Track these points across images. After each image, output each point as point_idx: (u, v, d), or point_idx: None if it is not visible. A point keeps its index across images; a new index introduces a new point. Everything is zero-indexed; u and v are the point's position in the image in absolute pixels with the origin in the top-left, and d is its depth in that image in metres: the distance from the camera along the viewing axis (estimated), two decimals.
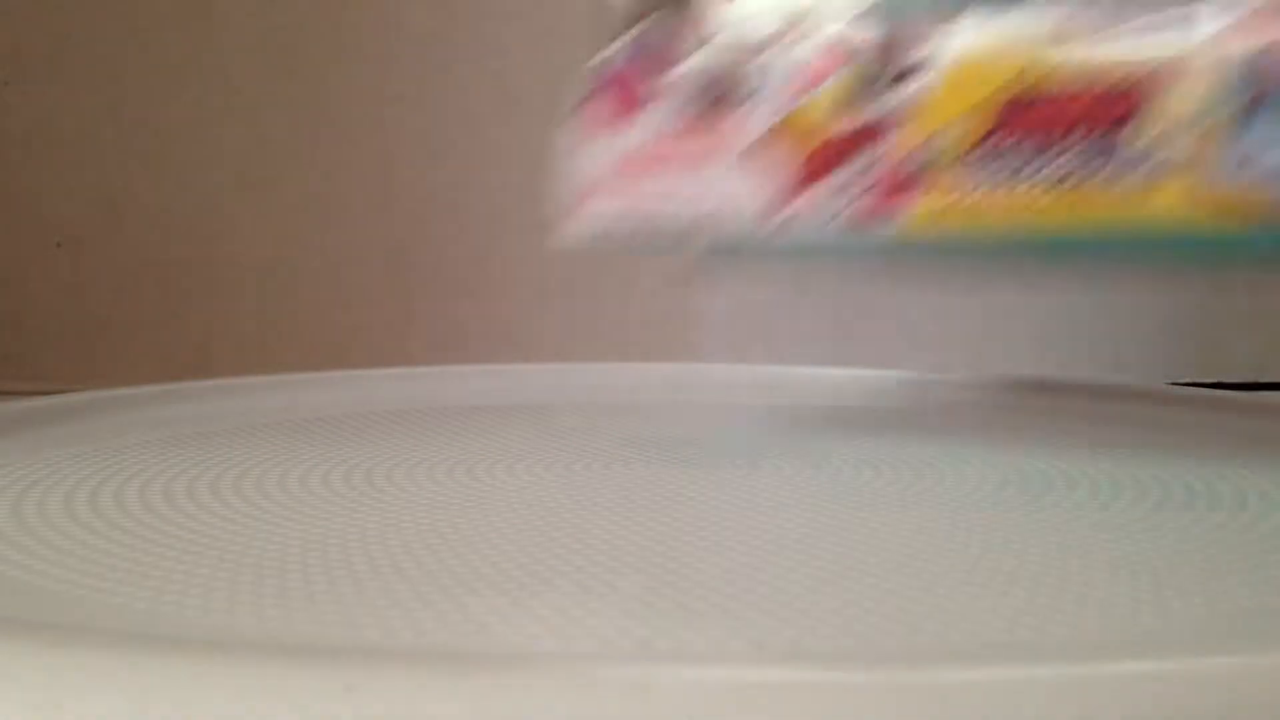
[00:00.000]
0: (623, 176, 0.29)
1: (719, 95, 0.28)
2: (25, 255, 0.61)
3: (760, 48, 0.28)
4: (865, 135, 0.26)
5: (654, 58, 0.29)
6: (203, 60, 0.60)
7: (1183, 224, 0.23)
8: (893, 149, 0.26)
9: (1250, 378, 0.58)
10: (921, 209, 0.25)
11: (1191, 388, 0.41)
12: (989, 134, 0.24)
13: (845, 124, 0.26)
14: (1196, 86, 0.23)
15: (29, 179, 0.61)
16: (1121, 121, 0.23)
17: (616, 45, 0.30)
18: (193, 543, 0.19)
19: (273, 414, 0.33)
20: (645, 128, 0.29)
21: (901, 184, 0.25)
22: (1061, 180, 0.24)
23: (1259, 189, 0.22)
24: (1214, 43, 0.23)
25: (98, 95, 0.61)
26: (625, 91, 0.29)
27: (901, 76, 0.26)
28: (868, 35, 0.26)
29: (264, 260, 0.60)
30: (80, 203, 0.61)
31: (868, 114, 0.26)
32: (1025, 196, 0.24)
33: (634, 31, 0.29)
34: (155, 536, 0.19)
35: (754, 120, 0.27)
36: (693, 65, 0.28)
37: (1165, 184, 0.23)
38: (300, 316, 0.59)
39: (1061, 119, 0.24)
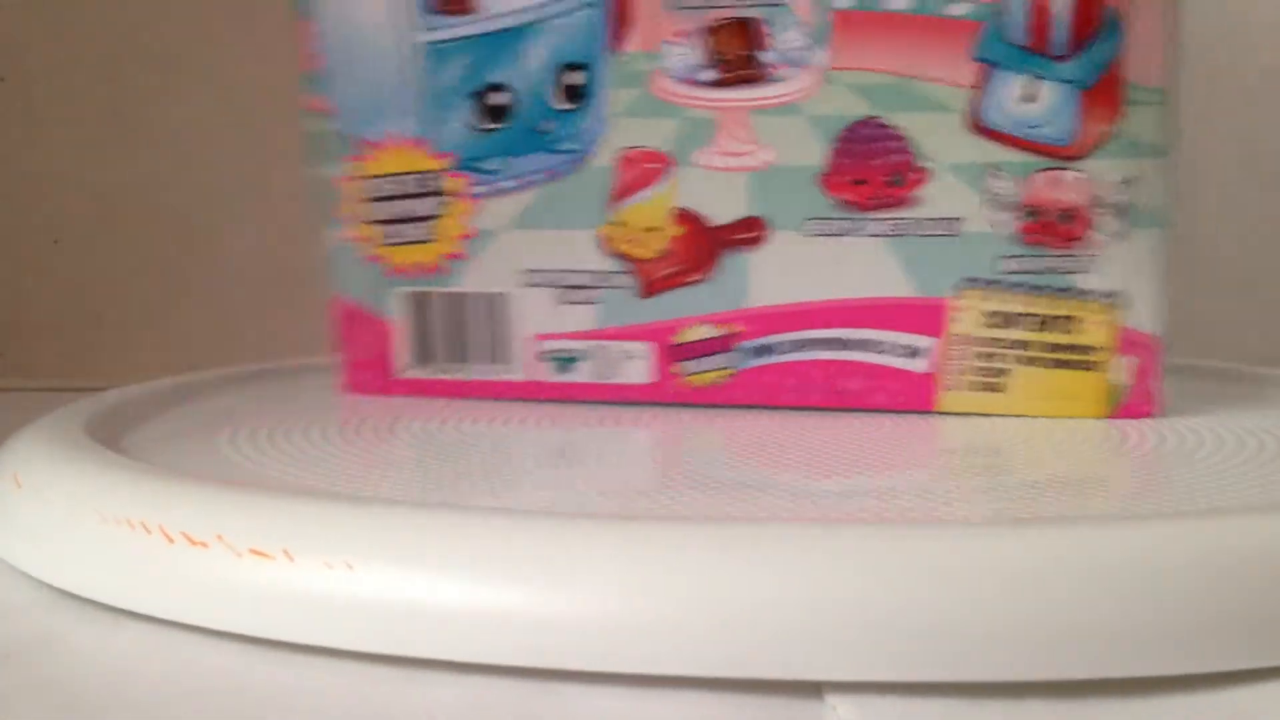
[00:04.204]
0: None
1: None
2: (23, 252, 0.61)
3: None
4: None
5: None
6: (202, 58, 0.59)
7: None
8: None
9: None
10: None
11: None
12: None
13: None
14: None
15: (27, 175, 0.60)
16: None
17: None
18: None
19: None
20: None
21: None
22: None
23: None
24: None
25: (96, 93, 0.60)
26: None
27: None
28: None
29: (263, 258, 0.60)
30: (78, 200, 0.60)
31: None
32: None
33: None
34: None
35: None
36: None
37: None
38: (300, 315, 0.58)
39: None
